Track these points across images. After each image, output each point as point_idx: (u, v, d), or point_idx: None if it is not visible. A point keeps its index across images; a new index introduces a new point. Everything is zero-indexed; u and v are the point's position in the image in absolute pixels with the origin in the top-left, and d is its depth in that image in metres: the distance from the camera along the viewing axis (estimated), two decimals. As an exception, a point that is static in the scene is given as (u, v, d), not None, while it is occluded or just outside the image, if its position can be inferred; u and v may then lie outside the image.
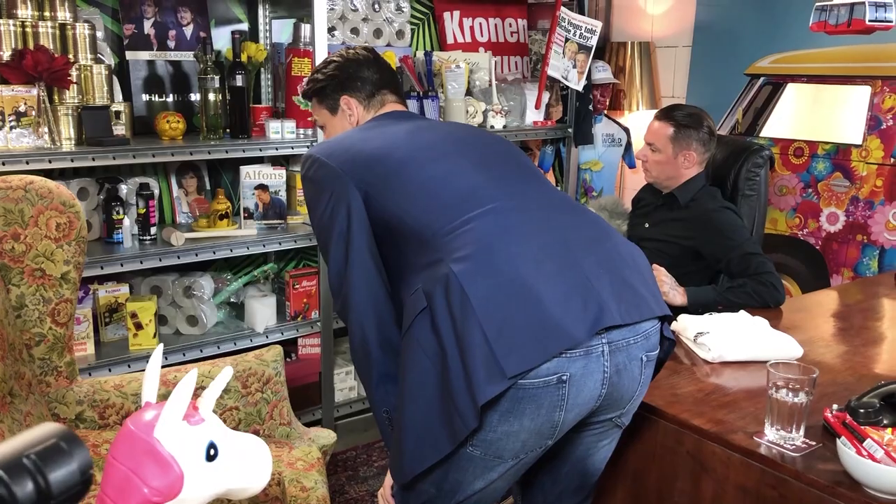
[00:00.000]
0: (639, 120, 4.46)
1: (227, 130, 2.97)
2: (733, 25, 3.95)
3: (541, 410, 1.35)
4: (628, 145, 4.22)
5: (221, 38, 3.16)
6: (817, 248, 3.58)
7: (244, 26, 3.24)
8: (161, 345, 1.26)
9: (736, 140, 2.72)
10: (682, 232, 2.56)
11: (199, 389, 1.38)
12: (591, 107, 3.81)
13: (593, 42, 3.55)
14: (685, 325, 2.05)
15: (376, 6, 3.42)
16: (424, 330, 1.38)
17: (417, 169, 1.57)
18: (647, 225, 2.71)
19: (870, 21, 2.59)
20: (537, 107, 3.69)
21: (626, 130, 4.22)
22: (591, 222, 1.57)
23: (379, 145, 1.64)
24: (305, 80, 1.99)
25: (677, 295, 2.34)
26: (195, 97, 3.07)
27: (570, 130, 3.82)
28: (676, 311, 2.22)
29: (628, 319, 1.41)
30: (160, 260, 2.71)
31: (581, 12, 3.62)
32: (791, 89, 3.66)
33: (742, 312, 2.10)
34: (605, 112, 4.15)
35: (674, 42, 4.33)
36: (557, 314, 1.34)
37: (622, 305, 1.41)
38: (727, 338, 1.94)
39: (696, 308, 2.25)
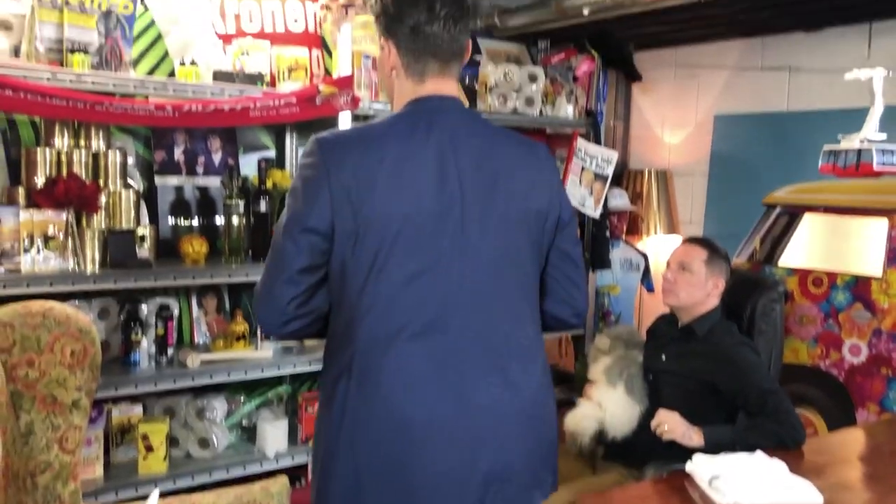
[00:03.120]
0: (657, 245, 4.49)
1: (250, 252, 3.04)
2: (749, 156, 4.03)
3: None
4: (646, 270, 4.23)
5: (249, 164, 3.27)
6: (840, 380, 3.50)
7: (271, 153, 3.36)
8: (157, 490, 1.25)
9: (750, 274, 2.74)
10: (699, 366, 2.53)
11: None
12: (607, 232, 3.85)
13: (609, 171, 3.63)
14: (699, 468, 1.99)
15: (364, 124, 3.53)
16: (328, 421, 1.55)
17: (396, 267, 1.50)
18: (663, 357, 2.68)
19: (878, 166, 2.64)
20: (554, 232, 3.73)
21: (644, 255, 4.24)
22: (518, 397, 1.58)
23: (381, 212, 1.50)
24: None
25: (693, 435, 2.29)
26: (220, 220, 3.16)
27: (587, 255, 3.85)
28: (693, 451, 2.16)
29: None
30: (174, 381, 2.73)
31: (597, 143, 3.72)
32: (808, 219, 3.68)
33: (759, 453, 2.04)
34: (623, 237, 4.19)
35: (690, 170, 4.41)
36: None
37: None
38: (743, 482, 1.88)
39: (713, 449, 2.19)
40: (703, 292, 2.58)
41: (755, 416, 2.35)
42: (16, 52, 2.57)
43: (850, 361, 3.47)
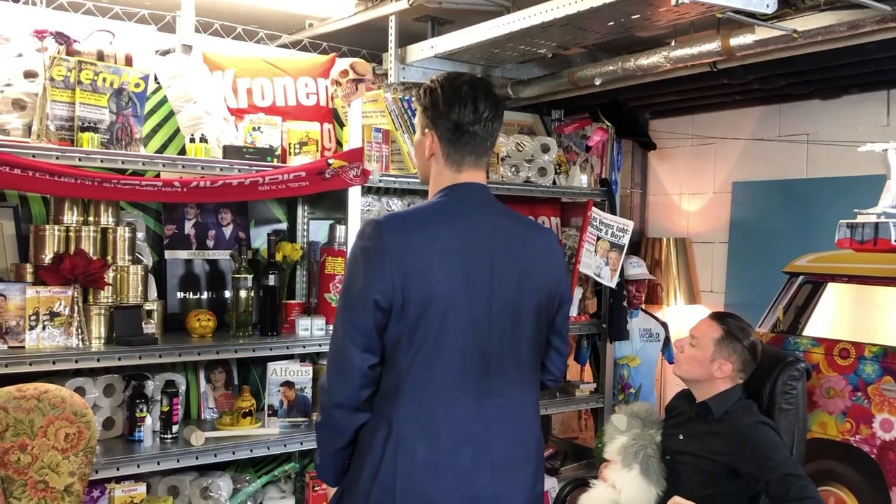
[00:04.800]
0: (677, 314, 4.40)
1: (258, 326, 3.00)
2: (769, 223, 3.96)
3: None
4: (667, 340, 4.13)
5: (260, 237, 3.27)
6: (872, 456, 3.35)
7: (283, 226, 3.36)
8: None
9: (770, 350, 2.64)
10: (718, 447, 2.43)
11: None
12: (625, 302, 3.77)
13: (625, 241, 3.57)
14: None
15: (412, 205, 3.52)
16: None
17: (441, 343, 1.71)
18: (681, 437, 2.58)
19: (895, 241, 2.56)
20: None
21: (664, 325, 4.15)
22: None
23: (434, 291, 1.71)
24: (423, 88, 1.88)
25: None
26: (229, 294, 3.13)
27: (604, 326, 3.77)
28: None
29: None
30: (178, 461, 2.67)
31: (612, 212, 3.67)
32: (831, 289, 3.58)
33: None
34: (642, 307, 4.10)
35: (710, 238, 4.34)
36: None
37: None
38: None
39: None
40: (705, 370, 2.49)
41: (778, 501, 2.23)
42: (29, 130, 2.59)
43: (881, 437, 3.32)
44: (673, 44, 3.27)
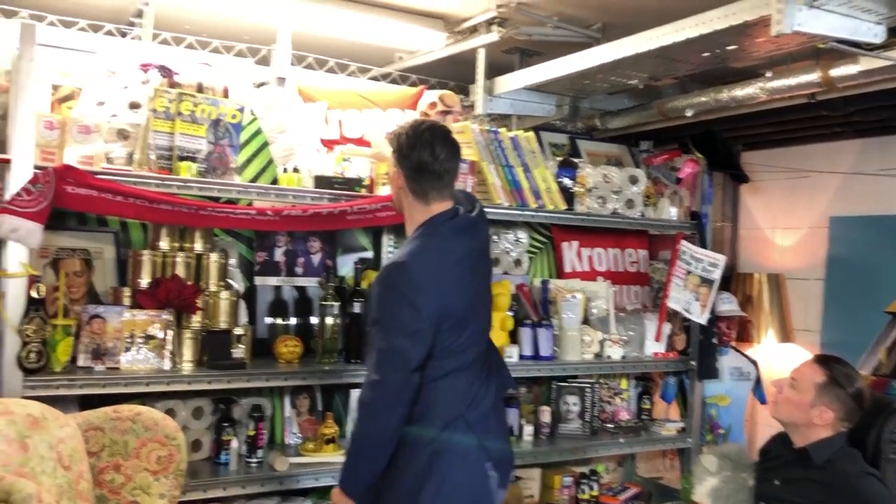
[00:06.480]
0: (768, 352, 4.23)
1: (343, 353, 3.03)
2: (869, 260, 3.78)
3: None
4: (758, 379, 3.97)
5: (347, 265, 3.30)
6: None
7: (369, 254, 3.38)
8: None
9: (872, 395, 2.49)
10: (818, 496, 2.31)
11: None
12: (715, 340, 3.65)
13: (716, 276, 3.45)
14: None
15: (495, 237, 3.50)
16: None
17: (455, 353, 2.12)
18: (777, 482, 2.46)
19: None
20: (657, 339, 3.57)
21: (755, 363, 3.99)
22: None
23: (447, 312, 2.09)
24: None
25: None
26: (315, 320, 3.17)
27: (693, 363, 3.65)
28: None
29: None
30: (262, 485, 2.70)
31: (703, 246, 3.57)
32: (939, 331, 3.38)
33: None
34: (732, 344, 3.96)
35: (805, 274, 4.18)
36: None
37: None
38: None
39: None
40: (803, 416, 2.37)
41: (885, 559, 2.09)
42: (131, 158, 2.70)
43: None
44: (769, 74, 3.18)
